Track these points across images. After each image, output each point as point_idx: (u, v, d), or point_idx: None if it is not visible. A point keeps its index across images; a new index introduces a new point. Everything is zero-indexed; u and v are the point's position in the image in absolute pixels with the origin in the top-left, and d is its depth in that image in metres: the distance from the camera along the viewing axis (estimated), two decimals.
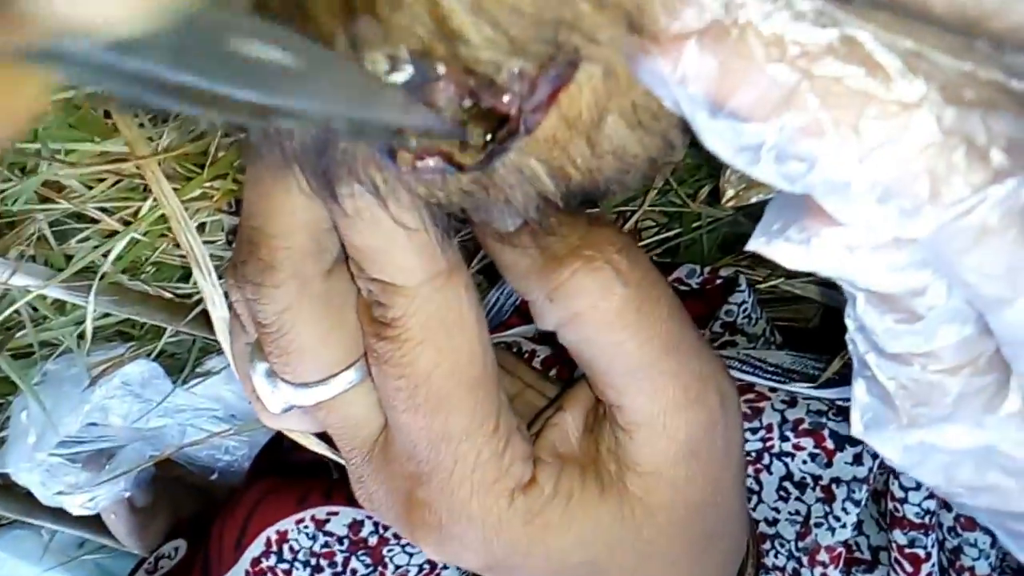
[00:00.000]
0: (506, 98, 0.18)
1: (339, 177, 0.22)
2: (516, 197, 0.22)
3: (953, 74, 0.17)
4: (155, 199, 0.38)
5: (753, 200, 0.28)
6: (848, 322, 0.24)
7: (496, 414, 0.29)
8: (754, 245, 0.21)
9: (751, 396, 0.47)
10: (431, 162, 0.20)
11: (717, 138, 0.18)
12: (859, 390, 0.25)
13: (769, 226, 0.21)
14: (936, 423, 0.24)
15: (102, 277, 0.44)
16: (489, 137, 0.20)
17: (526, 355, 0.51)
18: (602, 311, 0.28)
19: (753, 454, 0.47)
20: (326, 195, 0.23)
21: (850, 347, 0.25)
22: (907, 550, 0.45)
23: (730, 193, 0.28)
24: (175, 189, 0.37)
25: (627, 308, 0.28)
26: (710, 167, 0.47)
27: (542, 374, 0.37)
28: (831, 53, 0.17)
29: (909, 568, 0.44)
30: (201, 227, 0.45)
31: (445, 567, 0.51)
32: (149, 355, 0.59)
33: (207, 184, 0.41)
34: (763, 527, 0.47)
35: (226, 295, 0.38)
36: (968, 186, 0.17)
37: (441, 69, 0.17)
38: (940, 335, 0.21)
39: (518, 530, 0.29)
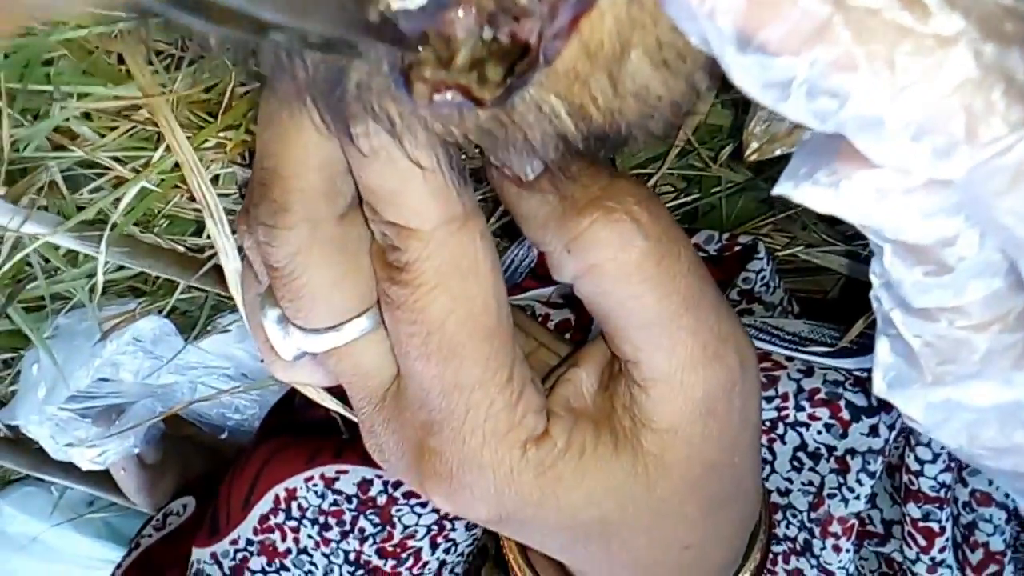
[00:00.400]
0: (527, 24, 0.18)
1: (353, 113, 0.21)
2: (535, 136, 0.22)
3: (993, 8, 0.16)
4: (168, 146, 0.37)
5: (777, 153, 0.27)
6: (873, 278, 0.23)
7: (510, 364, 0.28)
8: (781, 189, 0.20)
9: (767, 365, 0.47)
10: (448, 96, 0.19)
11: (745, 74, 0.18)
12: (882, 349, 0.25)
13: (797, 170, 0.20)
14: (962, 380, 0.23)
15: (113, 227, 0.44)
16: (508, 71, 0.19)
17: (540, 318, 0.50)
18: (621, 263, 0.27)
19: (767, 423, 0.47)
20: (340, 132, 0.22)
21: (874, 305, 0.24)
22: (921, 524, 0.44)
23: (753, 146, 0.27)
24: (188, 138, 0.37)
25: (647, 261, 0.27)
26: (732, 128, 0.46)
27: (556, 335, 0.37)
28: None
29: (923, 542, 0.44)
30: (215, 180, 0.45)
31: (453, 528, 0.51)
32: (161, 311, 0.59)
33: (220, 134, 0.40)
34: (775, 497, 0.47)
35: (239, 248, 0.38)
36: (1006, 125, 0.16)
37: None
38: (970, 289, 0.21)
39: (529, 482, 0.29)
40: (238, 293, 0.36)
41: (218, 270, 0.50)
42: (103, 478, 0.79)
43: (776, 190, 0.20)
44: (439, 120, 0.21)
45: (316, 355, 0.30)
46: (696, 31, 0.18)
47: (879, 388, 0.25)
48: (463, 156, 0.26)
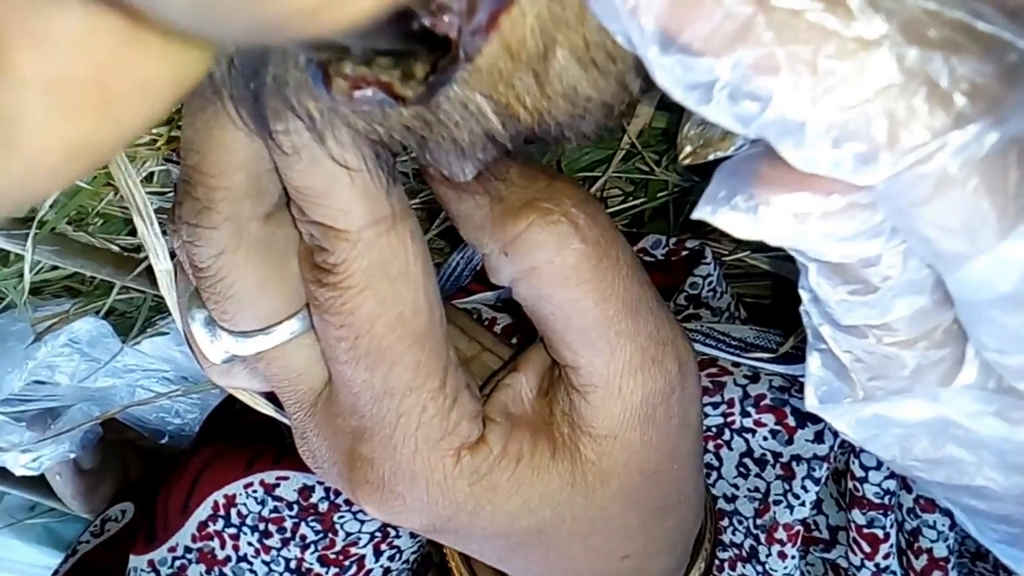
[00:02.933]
0: (447, 18, 0.17)
1: (272, 108, 0.20)
2: (462, 136, 0.21)
3: (916, 12, 0.16)
4: None
5: (711, 158, 0.27)
6: (802, 293, 0.23)
7: (443, 369, 0.27)
8: (699, 214, 0.20)
9: (714, 370, 0.47)
10: (369, 92, 0.19)
11: (668, 75, 0.17)
12: (813, 363, 0.25)
13: (715, 194, 0.20)
14: (892, 396, 0.23)
15: (42, 225, 0.43)
16: (432, 68, 0.19)
17: (487, 322, 0.50)
18: (558, 266, 0.27)
19: (714, 429, 0.47)
20: (259, 129, 0.22)
21: (804, 319, 0.24)
22: (865, 530, 0.45)
23: (687, 149, 0.27)
24: None
25: (584, 264, 0.27)
26: (678, 132, 0.45)
27: (501, 339, 0.36)
28: None
29: (867, 548, 0.44)
30: (149, 177, 0.43)
31: (398, 535, 0.50)
32: (98, 312, 0.57)
33: (154, 131, 0.39)
34: (722, 503, 0.46)
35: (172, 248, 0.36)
36: (928, 131, 0.16)
37: None
38: (896, 307, 0.21)
39: (464, 490, 0.28)
40: (170, 295, 0.35)
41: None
42: (40, 483, 0.77)
43: (695, 214, 0.20)
44: (361, 117, 0.21)
45: (245, 359, 0.29)
46: (620, 30, 0.17)
47: (811, 403, 0.25)
48: (395, 156, 0.25)
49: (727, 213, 0.19)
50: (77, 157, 0.12)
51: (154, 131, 0.39)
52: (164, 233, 0.36)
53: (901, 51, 0.16)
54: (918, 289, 0.20)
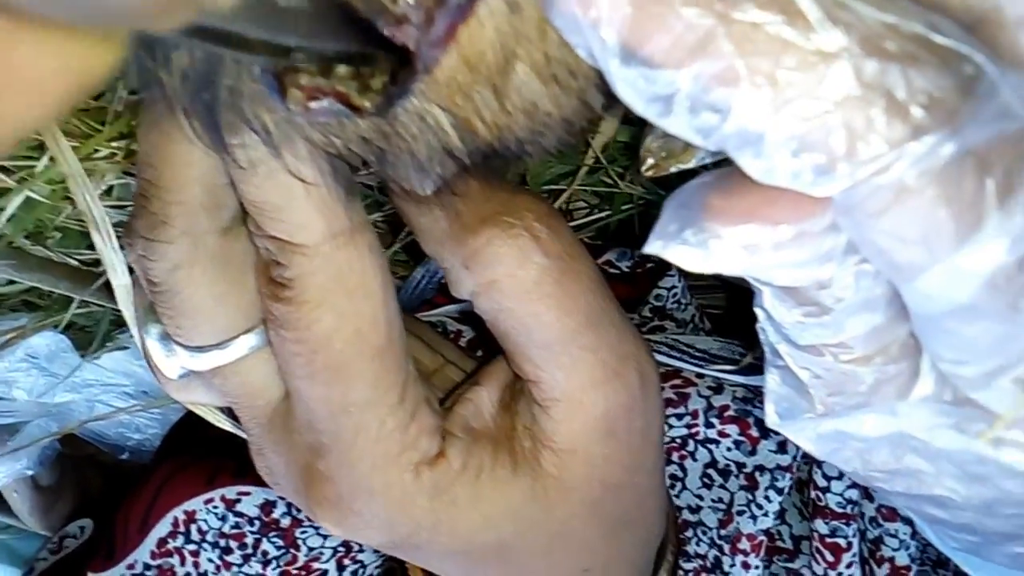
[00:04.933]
0: (405, 29, 0.17)
1: (227, 120, 0.20)
2: (420, 150, 0.21)
3: (875, 25, 0.16)
4: (52, 156, 0.35)
5: (672, 170, 0.27)
6: (757, 312, 0.23)
7: (401, 384, 0.27)
8: (651, 248, 0.20)
9: (678, 382, 0.47)
10: (325, 103, 0.19)
11: (629, 87, 0.17)
12: (772, 380, 0.25)
13: (666, 227, 0.20)
14: (851, 411, 0.23)
15: None
16: (390, 80, 0.18)
17: (452, 335, 0.49)
18: (519, 280, 0.27)
19: (678, 440, 0.47)
20: (215, 142, 0.21)
21: (761, 336, 0.24)
22: (828, 540, 0.45)
23: (649, 162, 0.27)
24: (75, 147, 0.35)
25: (545, 278, 0.27)
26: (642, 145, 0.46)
27: (465, 352, 0.36)
28: (759, 1, 0.16)
29: (830, 558, 0.44)
30: (109, 191, 0.43)
31: (361, 550, 0.50)
32: (56, 327, 0.56)
33: (114, 144, 0.38)
34: (686, 514, 0.46)
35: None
36: (885, 142, 0.16)
37: None
38: (849, 326, 0.21)
39: (423, 506, 0.28)
40: (128, 310, 0.34)
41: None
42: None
43: (646, 249, 0.20)
44: (318, 129, 0.20)
45: (201, 374, 0.29)
46: (582, 43, 0.17)
47: (772, 420, 0.25)
48: (355, 169, 0.25)
49: (678, 247, 0.19)
50: None
51: (114, 144, 0.38)
52: (123, 247, 0.36)
53: (860, 63, 0.16)
54: (872, 307, 0.20)
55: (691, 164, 0.26)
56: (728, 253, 0.19)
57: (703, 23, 0.16)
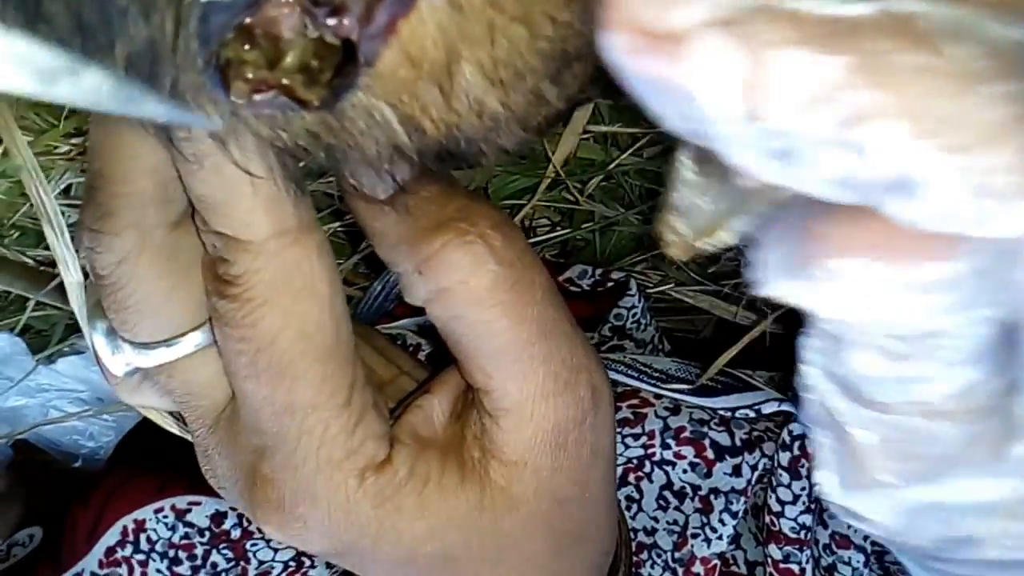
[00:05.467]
0: (346, 21, 0.17)
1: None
2: (368, 145, 0.21)
3: (1008, 44, 0.14)
4: (5, 149, 0.35)
5: (706, 250, 0.23)
6: (810, 371, 0.21)
7: (348, 387, 0.27)
8: (762, 288, 0.18)
9: (635, 402, 0.47)
10: (270, 95, 0.18)
11: (747, 148, 0.15)
12: (826, 445, 0.22)
13: (773, 261, 0.18)
14: (935, 478, 0.21)
15: None
16: (336, 73, 0.18)
17: (411, 347, 0.49)
18: (472, 287, 0.27)
19: (635, 461, 0.47)
20: (159, 135, 0.21)
21: (807, 397, 0.22)
22: (782, 565, 0.45)
23: (674, 241, 0.24)
24: (29, 141, 0.35)
25: (499, 286, 0.27)
26: (603, 162, 0.46)
27: (421, 364, 0.36)
28: (878, 28, 0.14)
29: None
30: (67, 189, 0.42)
31: (313, 565, 0.49)
32: (12, 329, 0.56)
33: (72, 141, 0.38)
34: (641, 536, 0.46)
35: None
36: None
37: None
38: (946, 380, 0.19)
39: (367, 513, 0.27)
40: (79, 309, 0.34)
41: None
42: None
43: (756, 290, 0.18)
44: (266, 124, 0.20)
45: (148, 373, 0.28)
46: (673, 110, 0.15)
47: (833, 494, 0.23)
48: (308, 171, 0.25)
49: (789, 283, 0.17)
50: None
51: (71, 142, 0.38)
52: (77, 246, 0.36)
53: (1007, 87, 0.14)
54: (975, 360, 0.18)
55: (727, 239, 0.23)
56: (850, 289, 0.17)
57: (834, 62, 0.14)
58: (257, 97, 0.18)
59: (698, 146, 0.17)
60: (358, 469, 0.27)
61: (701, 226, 0.23)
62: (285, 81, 0.18)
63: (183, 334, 0.27)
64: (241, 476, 0.28)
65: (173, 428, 0.38)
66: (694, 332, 0.59)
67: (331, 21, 0.17)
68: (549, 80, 0.21)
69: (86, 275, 0.34)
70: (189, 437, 0.41)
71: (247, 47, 0.18)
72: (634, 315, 0.51)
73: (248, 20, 0.17)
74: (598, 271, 0.52)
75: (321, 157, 0.22)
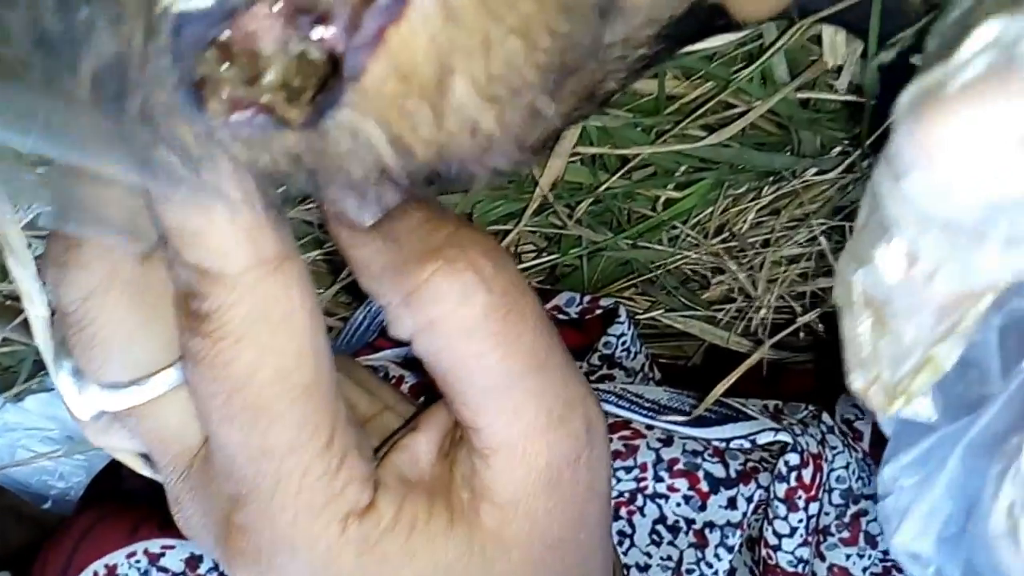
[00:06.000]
0: (332, 30, 0.15)
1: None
2: (353, 168, 0.19)
3: None
4: None
5: (904, 414, 0.21)
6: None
7: (330, 427, 0.25)
8: None
9: (627, 433, 0.46)
10: (248, 114, 0.17)
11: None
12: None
13: None
14: None
15: None
16: (319, 88, 0.17)
17: (393, 380, 0.48)
18: (461, 318, 0.25)
19: (627, 495, 0.45)
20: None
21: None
22: None
23: (875, 403, 0.21)
24: None
25: (490, 317, 0.25)
26: (591, 185, 0.45)
27: (405, 398, 0.34)
28: None
29: None
30: (34, 221, 0.41)
31: None
32: None
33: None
34: (635, 572, 0.45)
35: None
36: None
37: None
38: None
39: (350, 562, 0.26)
40: (45, 346, 0.32)
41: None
42: None
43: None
44: (243, 145, 0.19)
45: (116, 415, 0.27)
46: (945, 213, 0.15)
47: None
48: (292, 199, 0.23)
49: None
50: None
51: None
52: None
53: None
54: None
55: (926, 409, 0.21)
56: None
57: None
58: (235, 117, 0.17)
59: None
60: (340, 515, 0.26)
61: (893, 386, 0.22)
62: (265, 99, 0.17)
63: (154, 373, 0.25)
64: (215, 525, 0.27)
65: (145, 471, 0.36)
66: (684, 358, 0.58)
67: (316, 30, 0.15)
68: (547, 96, 0.20)
69: (53, 311, 0.32)
70: (161, 479, 0.39)
71: (224, 63, 0.17)
72: (624, 343, 0.50)
73: (225, 33, 0.16)
74: (586, 298, 0.51)
75: (302, 181, 0.20)
